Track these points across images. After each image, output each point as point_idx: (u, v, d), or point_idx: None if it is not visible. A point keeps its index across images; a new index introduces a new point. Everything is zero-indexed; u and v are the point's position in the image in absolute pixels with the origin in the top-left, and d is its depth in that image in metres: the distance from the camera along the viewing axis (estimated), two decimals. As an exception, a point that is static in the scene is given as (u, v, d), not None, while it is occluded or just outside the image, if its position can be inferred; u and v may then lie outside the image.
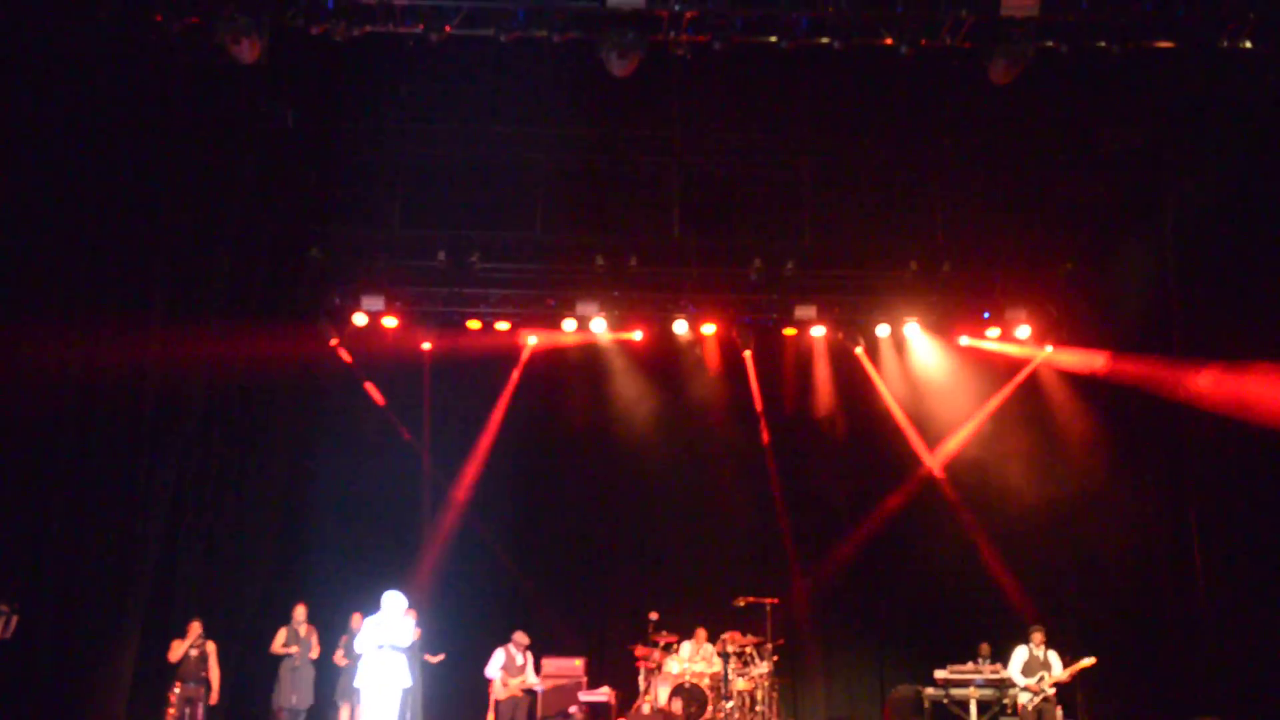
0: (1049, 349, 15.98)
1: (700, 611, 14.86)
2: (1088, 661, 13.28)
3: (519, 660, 13.66)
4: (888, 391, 16.43)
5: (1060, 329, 15.91)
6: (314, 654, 13.59)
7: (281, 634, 13.57)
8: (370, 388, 16.09)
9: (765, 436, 16.28)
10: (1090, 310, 15.42)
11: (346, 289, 15.53)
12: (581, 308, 15.62)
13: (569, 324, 15.92)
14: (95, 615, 13.42)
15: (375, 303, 15.39)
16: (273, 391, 15.10)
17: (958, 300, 15.91)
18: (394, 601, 12.30)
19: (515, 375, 16.44)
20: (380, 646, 12.00)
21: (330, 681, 13.66)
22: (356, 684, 12.30)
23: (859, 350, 16.47)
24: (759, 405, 16.44)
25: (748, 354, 16.45)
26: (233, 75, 12.60)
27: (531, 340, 16.40)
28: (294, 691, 13.36)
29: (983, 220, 15.20)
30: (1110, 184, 14.34)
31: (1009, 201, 15.03)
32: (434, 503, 15.90)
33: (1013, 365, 16.29)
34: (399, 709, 12.47)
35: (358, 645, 12.25)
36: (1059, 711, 13.40)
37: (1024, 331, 15.86)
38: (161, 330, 14.15)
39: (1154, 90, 12.80)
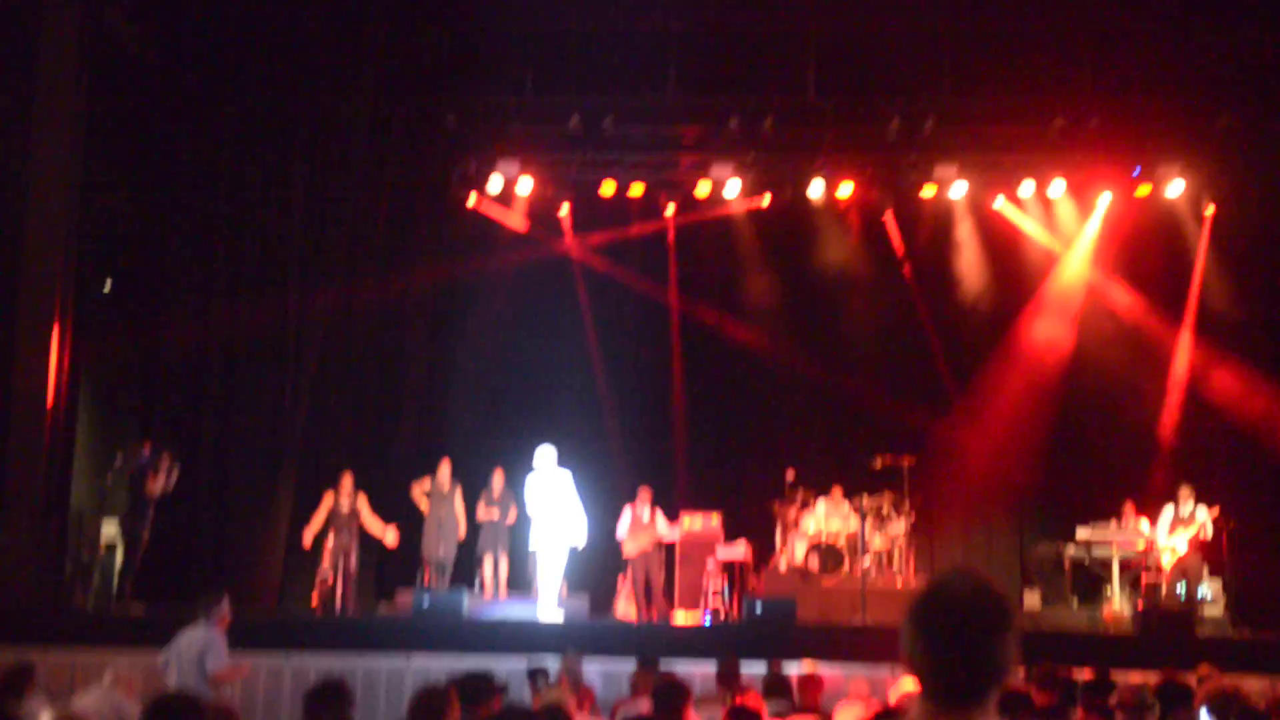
0: (1210, 209, 15.36)
1: (837, 470, 14.90)
2: (1215, 512, 13.00)
3: (645, 517, 13.86)
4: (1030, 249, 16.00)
5: (1216, 186, 15.27)
6: (459, 508, 13.99)
7: (425, 484, 13.97)
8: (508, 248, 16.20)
9: (903, 297, 15.99)
10: (1249, 167, 14.76)
11: (481, 156, 15.62)
12: (716, 171, 15.47)
13: (703, 187, 15.81)
14: (251, 469, 14.07)
15: (510, 168, 15.47)
16: (411, 255, 15.41)
17: (1105, 157, 15.34)
18: (548, 456, 12.61)
19: (653, 238, 16.35)
20: (547, 507, 12.37)
21: (474, 535, 14.06)
22: (531, 544, 12.71)
23: (998, 207, 16.02)
24: (902, 266, 16.10)
25: (888, 215, 16.11)
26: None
27: (669, 209, 16.24)
28: (440, 543, 13.80)
29: (1134, 72, 14.57)
30: (1272, 31, 13.60)
31: (1162, 52, 14.36)
32: (566, 362, 16.07)
33: (1163, 225, 15.67)
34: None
35: (529, 507, 12.59)
36: (1204, 569, 13.18)
37: (1177, 188, 15.24)
38: (303, 199, 14.55)
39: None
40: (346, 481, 13.49)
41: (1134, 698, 7.37)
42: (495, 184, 15.67)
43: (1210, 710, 6.29)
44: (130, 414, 14.46)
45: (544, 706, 6.29)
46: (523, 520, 13.45)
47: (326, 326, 14.58)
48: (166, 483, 12.65)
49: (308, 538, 13.21)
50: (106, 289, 14.10)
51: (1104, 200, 15.70)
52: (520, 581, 13.95)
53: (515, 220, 16.14)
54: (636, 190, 16.00)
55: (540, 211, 16.24)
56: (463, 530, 13.89)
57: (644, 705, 6.80)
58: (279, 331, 14.35)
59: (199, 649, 8.62)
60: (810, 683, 7.93)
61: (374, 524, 13.41)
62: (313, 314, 14.47)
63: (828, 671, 8.60)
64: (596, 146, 15.53)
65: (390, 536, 13.46)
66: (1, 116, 12.85)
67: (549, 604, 12.46)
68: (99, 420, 14.14)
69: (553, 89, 15.23)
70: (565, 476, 12.61)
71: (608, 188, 15.92)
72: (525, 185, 15.74)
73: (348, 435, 14.77)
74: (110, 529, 13.40)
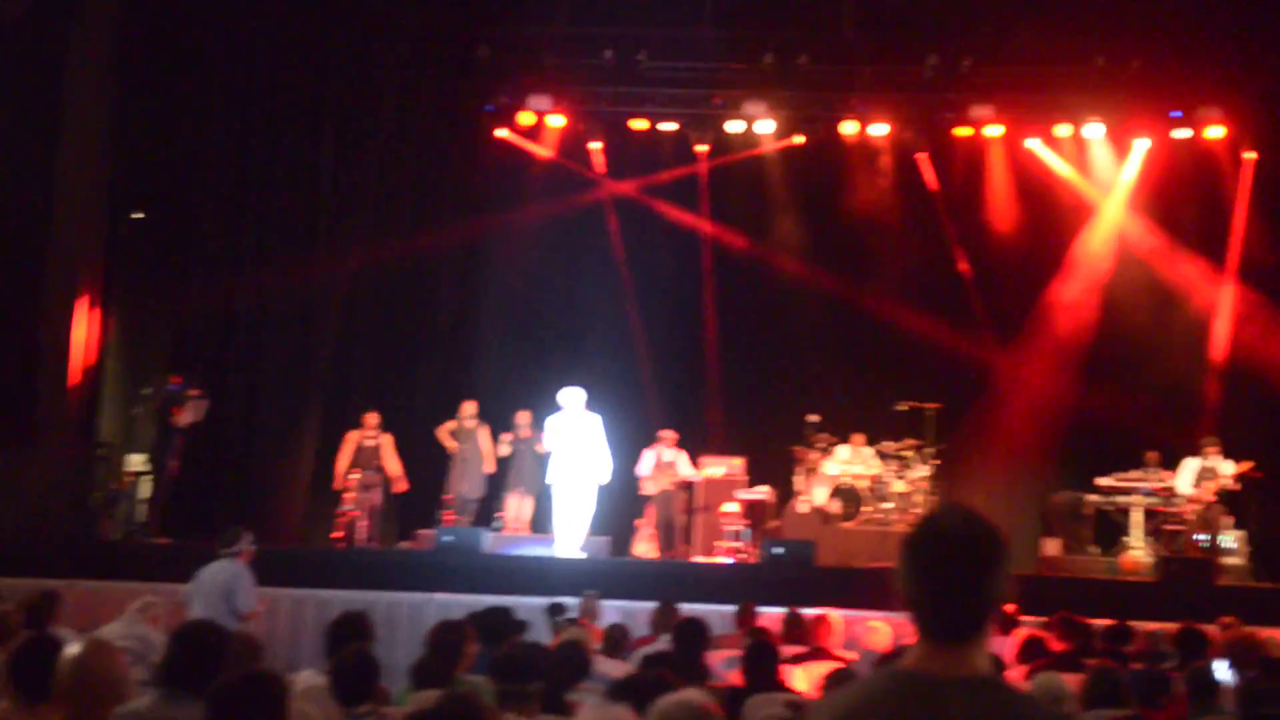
0: (1252, 155, 15.10)
1: (860, 415, 14.87)
2: (1246, 465, 12.94)
3: (667, 457, 13.86)
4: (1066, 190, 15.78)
5: (1257, 133, 15.00)
6: (485, 446, 14.04)
7: (450, 427, 14.03)
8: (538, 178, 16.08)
9: (934, 241, 15.77)
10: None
11: (514, 88, 15.49)
12: (749, 107, 15.32)
13: (736, 125, 15.65)
14: (278, 405, 14.14)
15: (542, 102, 15.35)
16: (441, 193, 15.38)
17: (1145, 100, 15.10)
18: (574, 397, 12.61)
19: (685, 177, 16.19)
20: (570, 447, 12.39)
21: (500, 473, 14.13)
22: (548, 480, 12.74)
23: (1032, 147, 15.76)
24: (938, 204, 15.88)
25: (922, 156, 15.89)
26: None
27: (700, 147, 16.06)
28: (464, 481, 13.87)
29: (1177, 14, 14.31)
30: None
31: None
32: (597, 303, 16.01)
33: (1202, 172, 15.41)
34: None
35: (547, 443, 12.61)
36: (1227, 520, 13.12)
37: (1216, 133, 14.99)
38: (334, 134, 14.51)
39: None
40: (371, 419, 13.56)
41: (1150, 645, 7.39)
42: (527, 119, 15.56)
43: (1231, 660, 6.29)
44: (159, 348, 14.53)
45: (562, 643, 6.34)
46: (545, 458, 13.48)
47: (356, 266, 14.60)
48: (195, 415, 12.71)
49: (339, 477, 13.31)
50: (138, 216, 14.16)
51: (1141, 145, 15.43)
52: (547, 523, 14.05)
53: (546, 156, 16.00)
54: (669, 127, 15.84)
55: (572, 148, 16.09)
56: (490, 466, 13.96)
57: (663, 644, 6.84)
58: (309, 268, 14.36)
59: (224, 582, 8.68)
60: (821, 624, 7.96)
61: (393, 464, 13.49)
62: (342, 253, 14.47)
63: (844, 615, 8.61)
64: (630, 81, 15.39)
65: (402, 484, 13.55)
66: (38, 60, 12.83)
67: (565, 542, 12.48)
68: (128, 354, 14.24)
69: (587, 21, 15.11)
70: (594, 420, 12.60)
71: (640, 124, 15.77)
72: (557, 121, 15.62)
73: (374, 374, 14.84)
74: (138, 461, 13.54)
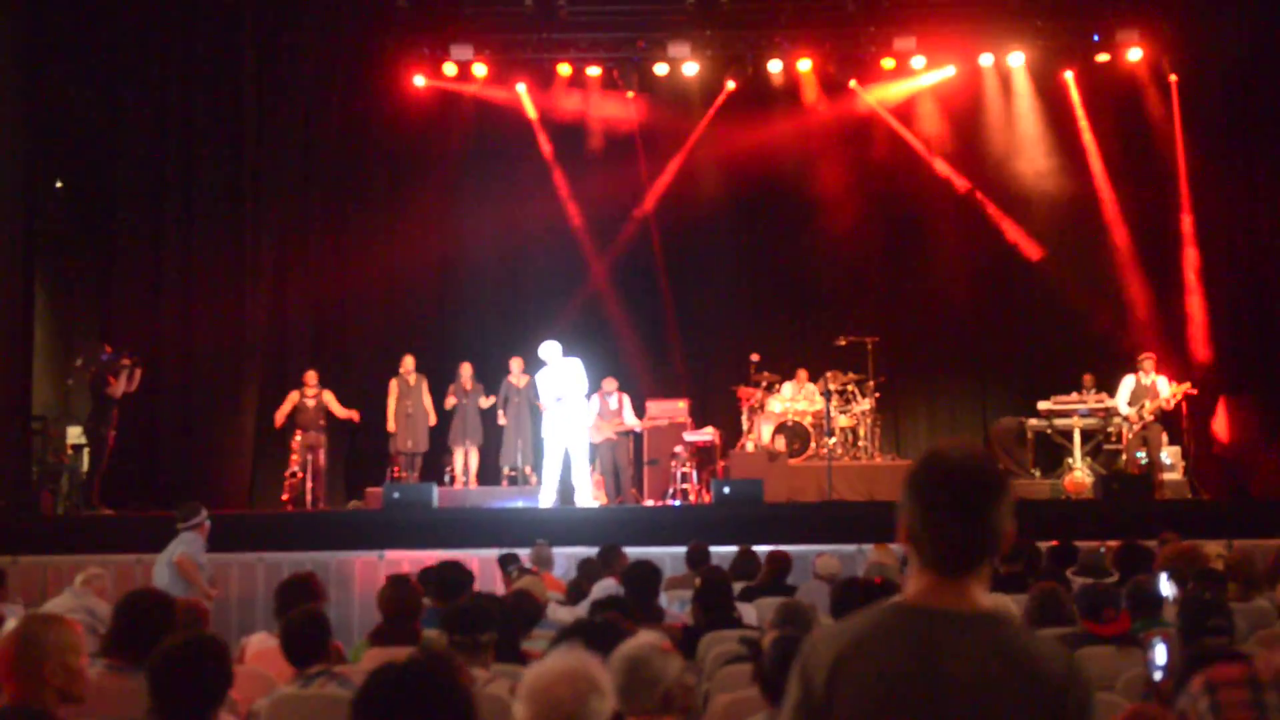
0: (1172, 78, 15.21)
1: (801, 351, 14.96)
2: (1185, 387, 13.20)
3: (612, 405, 13.86)
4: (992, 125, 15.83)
5: (1177, 52, 15.12)
6: (427, 400, 13.99)
7: (393, 385, 13.95)
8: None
9: (862, 175, 15.78)
10: (1211, 30, 14.63)
11: (435, 39, 15.27)
12: (673, 49, 15.24)
13: (661, 68, 15.56)
14: (215, 369, 13.97)
15: (464, 52, 15.16)
16: (367, 144, 15.19)
17: (1065, 24, 15.20)
18: (553, 351, 12.56)
19: (614, 122, 16.06)
20: (559, 399, 12.35)
21: (442, 426, 14.09)
22: (543, 434, 12.69)
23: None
24: (867, 137, 15.87)
25: (853, 83, 15.81)
26: None
27: (629, 94, 15.92)
28: (409, 437, 13.82)
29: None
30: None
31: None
32: (531, 253, 15.92)
33: (1128, 98, 15.49)
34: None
35: (543, 399, 12.55)
36: (1164, 437, 13.38)
37: (1135, 54, 15.11)
38: (254, 89, 14.24)
39: None
40: (311, 377, 13.49)
41: (1090, 561, 7.51)
42: (450, 70, 15.37)
43: (1170, 573, 6.41)
44: (89, 316, 14.29)
45: (514, 592, 6.35)
46: (536, 412, 13.45)
47: (283, 224, 14.40)
48: (128, 384, 12.54)
49: (279, 418, 13.35)
50: (57, 185, 13.89)
51: (1067, 76, 15.51)
52: (493, 475, 14.07)
53: (471, 106, 15.79)
54: (594, 72, 15.72)
55: (497, 97, 15.88)
56: (433, 419, 13.93)
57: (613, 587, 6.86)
58: (236, 230, 14.14)
59: (170, 550, 8.68)
60: (777, 558, 8.03)
61: (339, 409, 13.51)
62: (269, 212, 14.27)
63: (795, 549, 8.69)
64: (551, 28, 15.23)
65: (354, 416, 13.63)
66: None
67: (550, 493, 12.50)
68: (57, 324, 14.00)
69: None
70: (575, 366, 12.57)
71: (564, 69, 15.64)
72: (480, 70, 15.43)
73: (310, 333, 14.69)
74: (75, 432, 13.36)
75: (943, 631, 2.24)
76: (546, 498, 12.47)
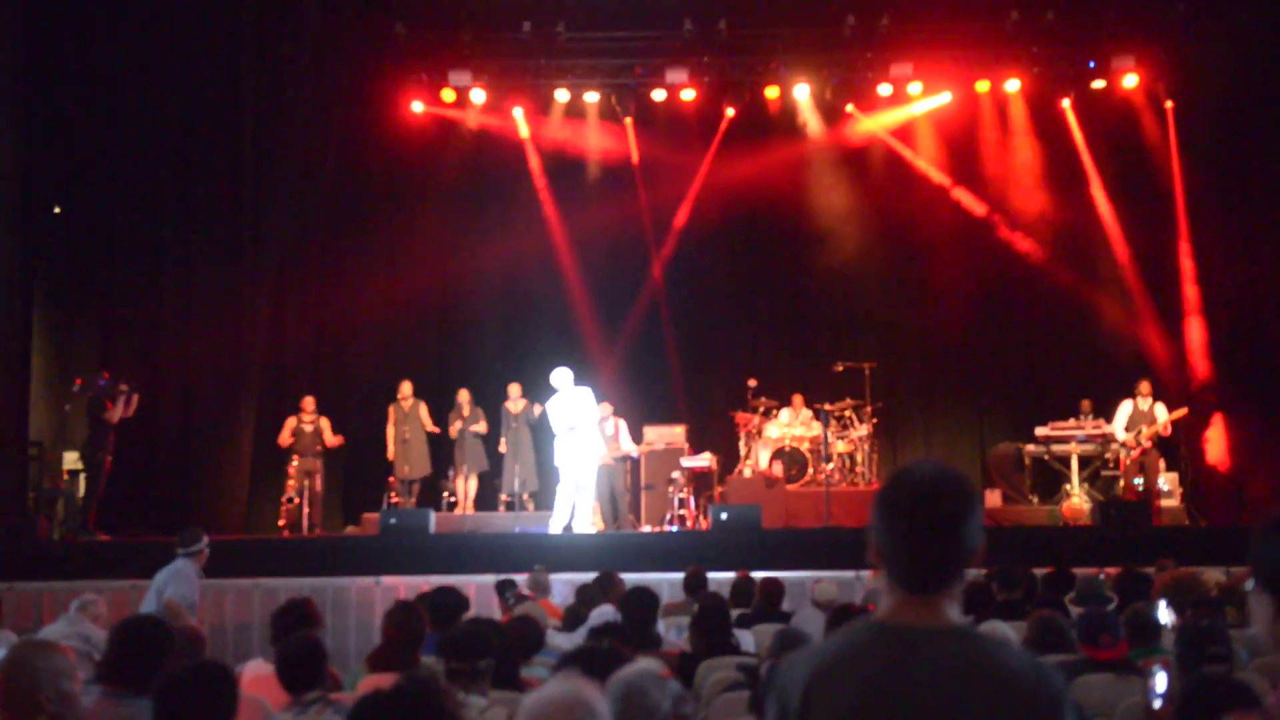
0: (1168, 103, 15.26)
1: (798, 377, 14.96)
2: (1180, 412, 13.21)
3: (609, 430, 13.84)
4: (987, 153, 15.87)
5: (1172, 78, 15.19)
6: (426, 427, 14.00)
7: (390, 411, 13.96)
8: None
9: (862, 200, 15.80)
10: (1204, 56, 14.69)
11: (433, 65, 15.32)
12: (671, 75, 15.29)
13: (658, 94, 15.62)
14: (212, 395, 13.95)
15: (462, 77, 15.21)
16: (366, 173, 15.22)
17: (1061, 51, 15.27)
18: (565, 379, 12.55)
19: (613, 147, 16.09)
20: (571, 428, 12.36)
21: (442, 452, 14.09)
22: (556, 462, 12.68)
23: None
24: (865, 163, 15.92)
25: (850, 107, 15.87)
26: None
27: (627, 121, 15.96)
28: (406, 463, 13.80)
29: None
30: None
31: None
32: (530, 279, 15.92)
33: (1126, 124, 15.54)
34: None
35: (555, 427, 12.54)
36: (1161, 463, 13.38)
37: (1131, 81, 15.18)
38: (253, 118, 14.27)
39: None
40: (308, 403, 13.50)
41: (1089, 587, 7.50)
42: (448, 96, 15.41)
43: (1168, 600, 6.40)
44: (87, 342, 14.29)
45: (514, 618, 6.33)
46: (535, 438, 13.55)
47: (282, 250, 14.41)
48: (125, 409, 12.53)
49: (282, 441, 13.39)
50: (56, 211, 13.91)
51: (1064, 104, 15.57)
52: (490, 501, 14.06)
53: (469, 133, 15.82)
54: (592, 98, 15.76)
55: (495, 123, 15.92)
56: (433, 428, 13.98)
57: (610, 614, 6.83)
58: (235, 256, 14.14)
59: (164, 578, 8.57)
60: (770, 585, 8.01)
61: (330, 437, 13.53)
62: (268, 238, 14.27)
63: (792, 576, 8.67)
64: (549, 54, 15.29)
65: (339, 441, 13.64)
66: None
67: (562, 520, 12.48)
68: (55, 349, 13.98)
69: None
70: (585, 394, 12.59)
71: (562, 96, 15.68)
72: (478, 96, 15.48)
73: (308, 359, 14.69)
74: (72, 458, 13.33)
75: (915, 647, 2.25)
76: (558, 525, 12.45)
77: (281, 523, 13.18)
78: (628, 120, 15.90)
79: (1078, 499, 13.34)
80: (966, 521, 2.29)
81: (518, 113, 15.82)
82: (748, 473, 14.10)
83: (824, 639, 2.38)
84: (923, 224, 15.78)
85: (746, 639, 6.52)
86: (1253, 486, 13.73)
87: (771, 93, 15.59)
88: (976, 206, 15.68)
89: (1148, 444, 13.15)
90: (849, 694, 2.25)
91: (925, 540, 2.29)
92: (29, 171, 13.03)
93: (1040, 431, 13.95)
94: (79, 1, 13.70)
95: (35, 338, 13.52)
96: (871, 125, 15.94)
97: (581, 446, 12.42)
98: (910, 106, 15.79)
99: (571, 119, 15.97)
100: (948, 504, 2.29)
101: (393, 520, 12.08)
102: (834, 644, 2.36)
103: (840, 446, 14.22)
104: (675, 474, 13.73)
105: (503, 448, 13.94)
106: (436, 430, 14.00)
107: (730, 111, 15.79)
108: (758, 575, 8.44)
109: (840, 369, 14.37)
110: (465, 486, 13.95)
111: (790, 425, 14.35)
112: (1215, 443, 14.09)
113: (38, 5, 12.99)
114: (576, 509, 12.49)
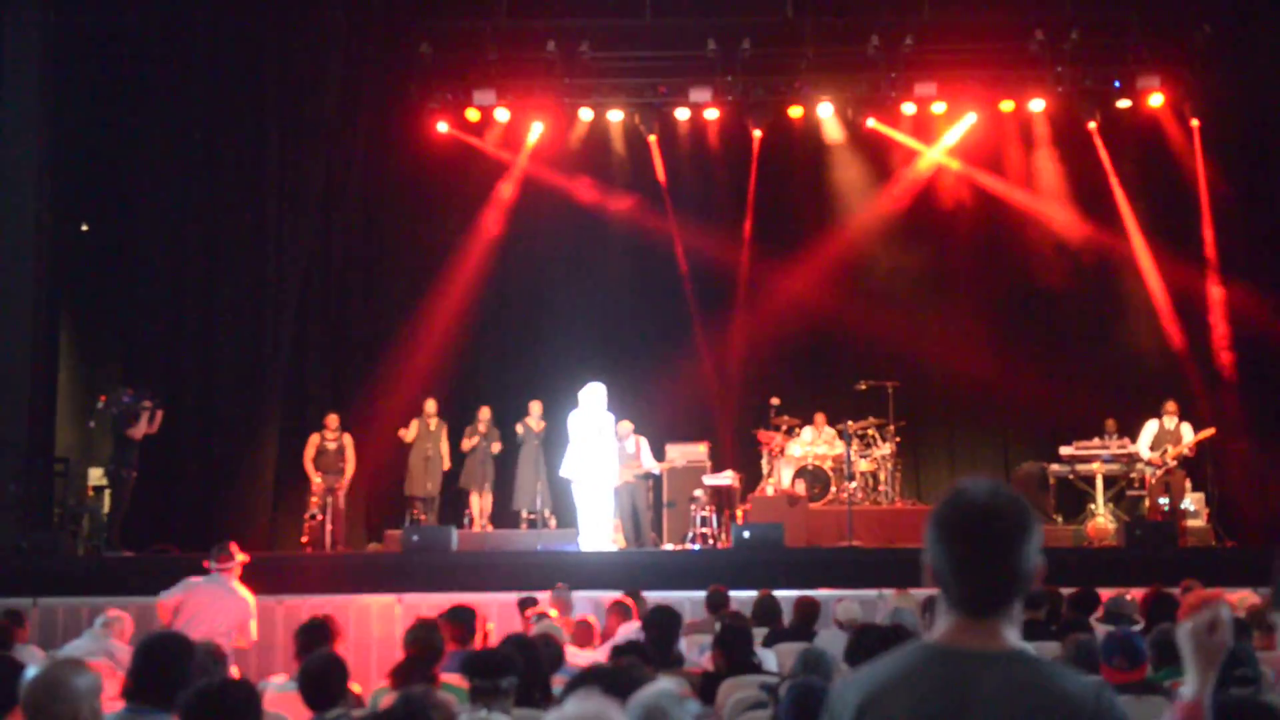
0: (1195, 122, 15.20)
1: (821, 396, 14.92)
2: (1208, 432, 13.11)
3: (629, 448, 13.82)
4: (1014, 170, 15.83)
5: (1197, 98, 15.14)
6: (445, 445, 14.03)
7: (413, 426, 13.99)
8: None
9: (884, 218, 15.78)
10: (1230, 76, 14.65)
11: (458, 84, 15.39)
12: (695, 94, 15.32)
13: (682, 113, 15.65)
14: (236, 411, 14.02)
15: (486, 96, 15.25)
16: (388, 190, 15.30)
17: (1086, 71, 15.23)
18: (595, 394, 12.60)
19: (640, 166, 16.08)
20: (587, 439, 12.40)
21: (457, 469, 14.12)
22: (568, 475, 12.69)
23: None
24: (888, 182, 15.89)
25: (872, 121, 15.81)
26: None
27: (651, 139, 15.98)
28: (426, 480, 13.84)
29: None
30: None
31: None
32: (553, 297, 15.95)
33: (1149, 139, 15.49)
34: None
35: (571, 439, 12.58)
36: (1187, 483, 13.29)
37: (1157, 100, 15.13)
38: (278, 137, 14.38)
39: None
40: (332, 420, 13.52)
41: (1117, 608, 7.46)
42: (472, 115, 15.47)
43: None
44: (112, 359, 14.39)
45: (535, 636, 6.32)
46: (552, 455, 13.55)
47: (306, 267, 14.49)
48: (150, 426, 12.60)
49: (307, 464, 13.41)
50: (83, 229, 14.04)
51: (1090, 126, 15.51)
52: (505, 518, 14.08)
53: (493, 150, 15.88)
54: (616, 117, 15.80)
55: (519, 141, 15.96)
56: (447, 464, 13.96)
57: (634, 632, 6.83)
58: (259, 272, 14.24)
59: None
60: (805, 604, 7.98)
61: (350, 464, 13.52)
62: (291, 256, 14.35)
63: (816, 595, 8.64)
64: (573, 73, 15.35)
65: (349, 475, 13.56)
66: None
67: (589, 537, 12.50)
68: (80, 366, 14.08)
69: (528, 14, 15.09)
70: (608, 419, 12.67)
71: (585, 114, 15.73)
72: (502, 115, 15.54)
73: (331, 376, 14.75)
74: (97, 474, 13.41)
75: (972, 671, 2.22)
76: (587, 541, 12.46)
77: (304, 539, 13.22)
78: (652, 138, 15.92)
79: (1103, 519, 13.26)
80: (1025, 542, 2.27)
81: (542, 131, 15.85)
82: (770, 491, 14.07)
83: (877, 661, 2.35)
84: (944, 242, 15.76)
85: (769, 658, 6.50)
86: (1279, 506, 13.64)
87: (795, 112, 15.58)
88: (1002, 225, 15.61)
89: (1173, 463, 13.07)
90: (902, 718, 2.22)
91: (983, 563, 2.26)
92: (56, 190, 13.15)
93: (1065, 451, 13.87)
94: (106, 23, 13.81)
95: (61, 354, 13.62)
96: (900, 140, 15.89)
97: (593, 464, 12.44)
98: (934, 126, 15.74)
99: (595, 138, 16.00)
100: (1006, 524, 2.26)
101: (415, 537, 12.09)
102: (888, 666, 2.31)
103: (863, 465, 14.17)
104: (697, 492, 13.70)
105: (521, 465, 13.95)
106: (462, 449, 14.00)
107: (757, 133, 15.78)
108: (782, 595, 8.42)
109: (863, 387, 14.33)
110: (481, 503, 13.99)
111: (813, 444, 14.32)
112: (1242, 463, 13.97)
113: (64, 27, 13.11)
114: (584, 522, 12.54)
